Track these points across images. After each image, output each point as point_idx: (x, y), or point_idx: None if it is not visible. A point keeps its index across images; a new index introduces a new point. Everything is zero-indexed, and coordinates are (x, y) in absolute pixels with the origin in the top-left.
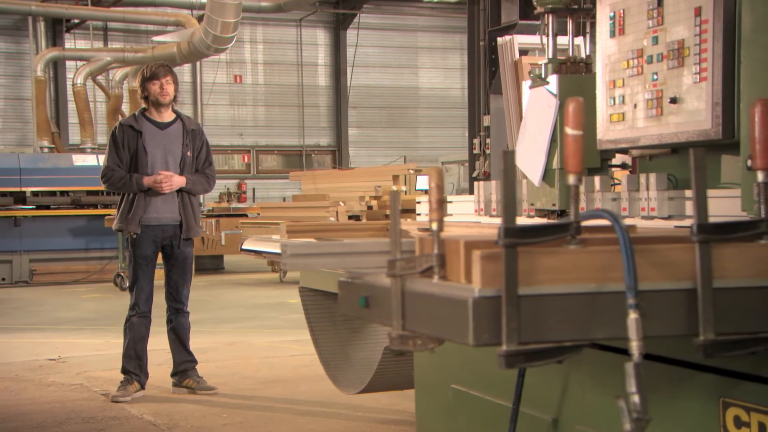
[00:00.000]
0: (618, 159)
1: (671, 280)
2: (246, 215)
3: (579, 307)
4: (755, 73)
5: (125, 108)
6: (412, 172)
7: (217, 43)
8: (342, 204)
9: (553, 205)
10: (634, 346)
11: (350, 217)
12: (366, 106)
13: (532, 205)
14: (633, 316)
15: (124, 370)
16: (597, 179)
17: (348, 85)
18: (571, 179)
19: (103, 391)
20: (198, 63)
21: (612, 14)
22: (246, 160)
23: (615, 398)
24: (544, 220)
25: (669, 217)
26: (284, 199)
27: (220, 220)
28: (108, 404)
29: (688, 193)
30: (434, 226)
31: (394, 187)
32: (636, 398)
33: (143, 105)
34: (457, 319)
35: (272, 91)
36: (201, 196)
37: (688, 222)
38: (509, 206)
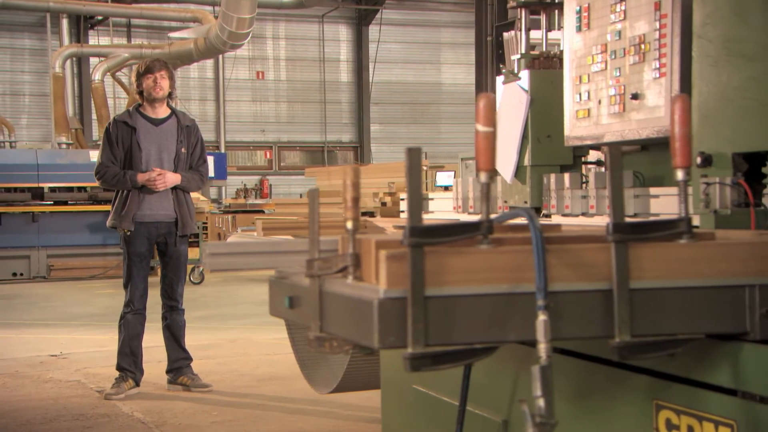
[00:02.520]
0: (593, 155)
1: (587, 280)
2: (263, 211)
3: (489, 309)
4: (705, 68)
5: None
6: (425, 168)
7: (232, 39)
8: None
9: (525, 202)
10: (542, 349)
11: (364, 214)
12: (388, 102)
13: (506, 202)
14: (542, 317)
15: (119, 368)
16: (566, 176)
17: (370, 81)
18: (482, 177)
19: (98, 388)
20: (220, 59)
21: (578, 8)
22: (268, 156)
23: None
24: (521, 219)
25: (635, 215)
26: (300, 196)
27: (236, 216)
28: (101, 401)
29: (653, 190)
30: (349, 225)
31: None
32: (541, 402)
33: (138, 100)
34: (364, 320)
35: (294, 87)
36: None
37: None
38: (415, 205)
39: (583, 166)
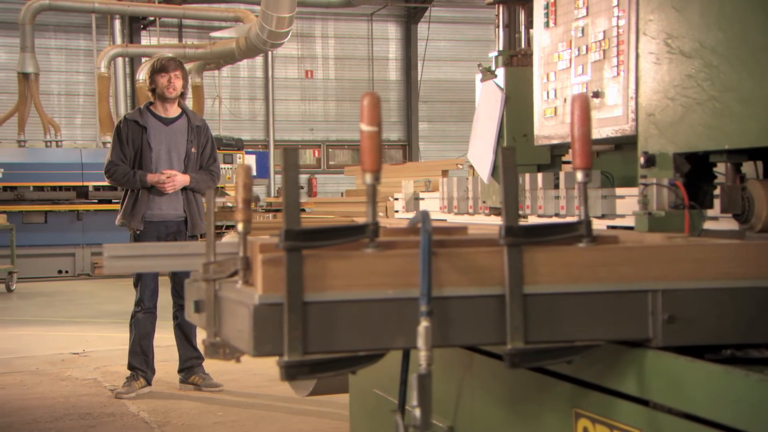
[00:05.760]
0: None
1: (479, 285)
2: (304, 210)
3: (374, 315)
4: (649, 66)
5: (188, 103)
6: (460, 167)
7: (272, 38)
8: (391, 199)
9: (501, 202)
10: (422, 357)
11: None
12: (437, 100)
13: (484, 202)
14: (424, 324)
15: (130, 367)
16: (539, 176)
17: (419, 79)
18: (368, 178)
19: (112, 387)
20: (269, 58)
21: (546, 4)
22: (317, 155)
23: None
24: (497, 219)
25: (603, 216)
26: (341, 194)
27: (276, 214)
28: (110, 400)
29: (620, 191)
30: (240, 227)
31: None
32: (417, 412)
33: (151, 98)
34: (243, 327)
35: (343, 85)
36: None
37: (620, 222)
38: (291, 206)
39: (563, 166)
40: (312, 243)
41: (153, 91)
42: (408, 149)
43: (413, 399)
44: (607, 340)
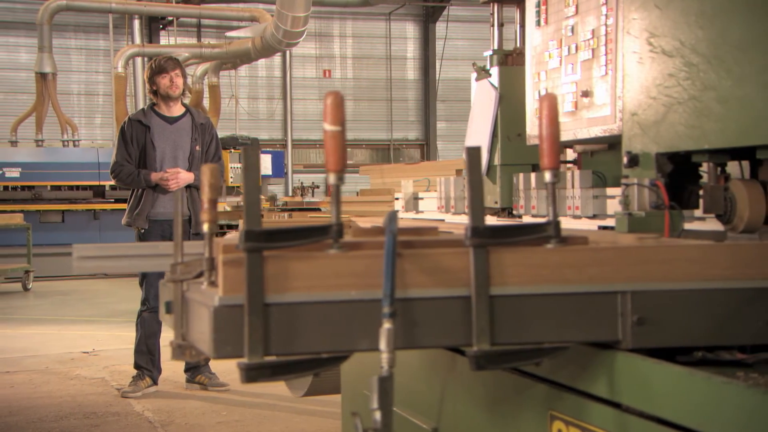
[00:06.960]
0: (570, 154)
1: (445, 286)
2: (319, 209)
3: (336, 317)
4: (632, 65)
5: (205, 103)
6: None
7: (287, 38)
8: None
9: (495, 203)
10: (384, 359)
11: None
12: (455, 99)
13: None
14: (387, 326)
15: (136, 366)
16: (533, 176)
17: (437, 78)
18: (331, 178)
19: (119, 386)
20: (287, 58)
21: (537, 2)
22: None
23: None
24: (493, 219)
25: (594, 216)
26: (356, 194)
27: (292, 214)
28: (116, 399)
29: (610, 191)
30: (205, 227)
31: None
32: (378, 415)
33: (152, 99)
34: (204, 328)
35: (361, 85)
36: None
37: (610, 222)
38: (252, 207)
39: (561, 165)
40: (273, 244)
41: (155, 92)
42: (426, 148)
43: (374, 402)
44: (576, 342)
